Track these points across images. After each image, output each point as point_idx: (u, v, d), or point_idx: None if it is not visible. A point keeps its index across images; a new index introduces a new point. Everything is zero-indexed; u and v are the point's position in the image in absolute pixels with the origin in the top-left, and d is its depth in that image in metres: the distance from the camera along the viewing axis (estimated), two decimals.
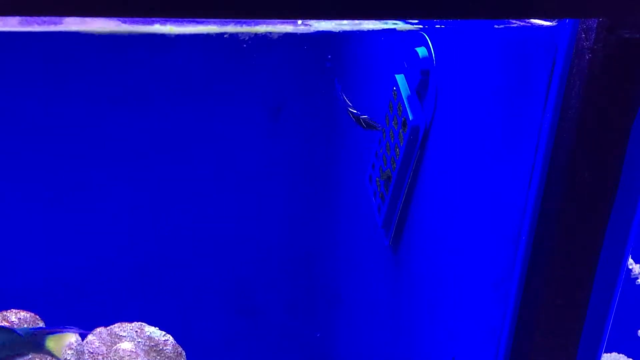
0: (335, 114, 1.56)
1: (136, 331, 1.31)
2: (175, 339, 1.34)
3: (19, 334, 1.05)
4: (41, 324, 1.28)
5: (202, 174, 1.62)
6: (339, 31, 0.74)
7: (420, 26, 0.87)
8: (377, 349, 1.39)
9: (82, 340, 1.29)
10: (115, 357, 1.25)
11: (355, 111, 1.14)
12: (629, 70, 0.67)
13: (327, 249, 1.71)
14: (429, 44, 1.03)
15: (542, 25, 0.72)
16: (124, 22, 0.65)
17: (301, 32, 0.71)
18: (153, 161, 1.59)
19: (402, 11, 0.58)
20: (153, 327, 1.33)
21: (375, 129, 1.13)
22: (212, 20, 0.67)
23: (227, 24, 0.68)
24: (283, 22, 0.70)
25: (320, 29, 0.72)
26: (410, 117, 1.07)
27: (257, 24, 0.68)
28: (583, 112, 0.70)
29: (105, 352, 1.27)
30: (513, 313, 0.82)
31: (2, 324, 1.23)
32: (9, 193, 1.54)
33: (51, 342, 1.08)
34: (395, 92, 1.13)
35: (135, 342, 1.29)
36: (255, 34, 0.70)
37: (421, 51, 1.04)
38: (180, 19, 0.66)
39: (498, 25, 0.78)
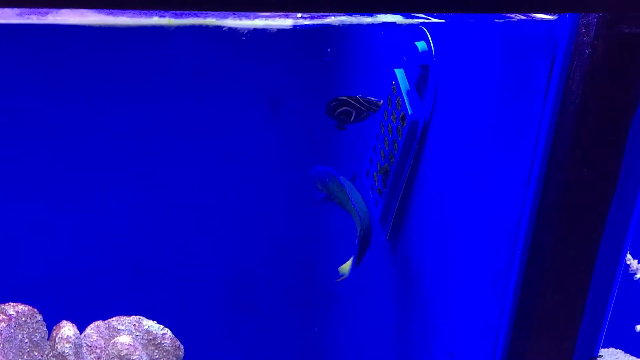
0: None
1: (134, 325, 1.31)
2: (173, 333, 1.34)
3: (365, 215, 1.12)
4: (39, 318, 1.28)
5: (201, 168, 1.62)
6: (339, 25, 0.73)
7: (420, 20, 0.87)
8: (374, 343, 1.39)
9: (80, 334, 1.29)
10: (113, 351, 1.25)
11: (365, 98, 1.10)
12: (629, 66, 0.67)
13: (325, 243, 1.71)
14: (429, 38, 1.03)
15: (543, 19, 0.72)
16: (122, 14, 0.64)
17: (300, 25, 0.71)
18: (152, 155, 1.58)
19: (402, 5, 0.58)
20: (151, 321, 1.33)
21: (374, 108, 1.10)
22: (211, 13, 0.66)
23: (226, 17, 0.67)
24: (282, 16, 0.70)
25: (320, 23, 0.72)
26: (409, 112, 1.07)
27: (256, 17, 0.68)
28: (583, 108, 0.69)
29: (103, 345, 1.28)
30: (511, 308, 0.82)
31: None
32: (8, 189, 1.54)
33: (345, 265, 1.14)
34: (395, 87, 1.13)
35: (134, 336, 1.29)
36: (254, 27, 0.69)
37: (421, 45, 1.03)
38: (179, 12, 0.66)
39: (498, 19, 0.78)
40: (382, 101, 1.11)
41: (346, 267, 1.16)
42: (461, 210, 0.96)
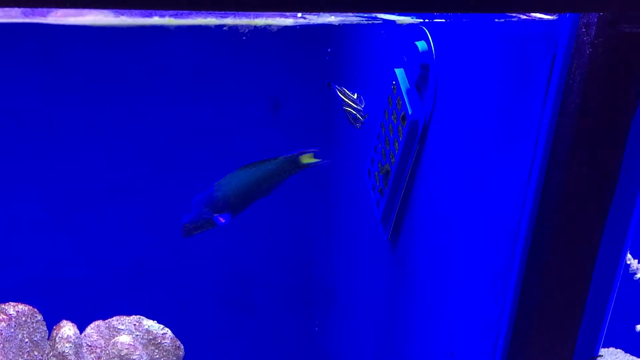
0: (335, 107, 1.56)
1: (134, 324, 1.31)
2: (173, 333, 1.34)
3: (281, 159, 1.17)
4: (39, 318, 1.28)
5: (201, 168, 1.62)
6: (339, 24, 0.73)
7: (421, 20, 0.87)
8: (375, 343, 1.39)
9: (80, 333, 1.29)
10: (113, 351, 1.25)
11: (351, 109, 1.14)
12: (629, 65, 0.67)
13: (326, 243, 1.71)
14: (429, 38, 1.03)
15: (543, 19, 0.72)
16: (122, 14, 0.64)
17: (301, 24, 0.71)
18: (152, 155, 1.58)
19: (402, 5, 0.58)
20: (151, 321, 1.33)
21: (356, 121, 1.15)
22: (211, 12, 0.66)
23: (226, 16, 0.67)
24: (282, 15, 0.70)
25: (320, 22, 0.72)
26: (410, 112, 1.07)
27: (256, 16, 0.68)
28: (583, 107, 0.69)
29: (103, 345, 1.28)
30: (511, 308, 0.82)
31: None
32: (8, 189, 1.54)
33: (304, 159, 1.18)
34: (395, 86, 1.13)
35: (134, 336, 1.29)
36: (255, 27, 0.69)
37: (421, 45, 1.03)
38: (179, 11, 0.66)
39: (498, 19, 0.78)
40: (361, 123, 1.14)
41: (309, 157, 1.17)
42: (461, 210, 0.96)
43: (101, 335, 1.29)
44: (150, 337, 1.30)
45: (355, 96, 1.14)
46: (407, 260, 1.16)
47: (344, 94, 1.14)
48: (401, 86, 1.10)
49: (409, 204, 1.14)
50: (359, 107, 1.13)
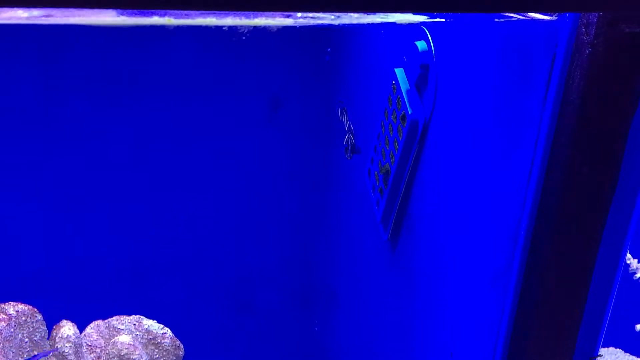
0: (334, 108, 1.56)
1: (134, 324, 1.31)
2: (173, 332, 1.34)
3: None
4: (39, 317, 1.28)
5: (201, 169, 1.62)
6: (339, 24, 0.73)
7: (420, 20, 0.87)
8: (375, 342, 1.39)
9: (80, 333, 1.29)
10: (113, 350, 1.25)
11: (353, 137, 1.20)
12: (629, 65, 0.67)
13: (326, 243, 1.71)
14: (429, 38, 1.03)
15: (543, 19, 0.72)
16: (122, 14, 0.64)
17: (300, 25, 0.71)
18: (152, 155, 1.58)
19: (403, 5, 0.58)
20: (151, 321, 1.33)
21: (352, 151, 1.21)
22: (211, 12, 0.66)
23: (226, 16, 0.67)
24: (282, 15, 0.70)
25: (320, 22, 0.72)
26: (410, 111, 1.07)
27: (256, 16, 0.68)
28: (583, 107, 0.69)
29: (103, 345, 1.28)
30: (511, 307, 0.82)
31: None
32: (9, 188, 1.54)
33: None
34: (395, 86, 1.13)
35: (134, 335, 1.29)
36: (255, 27, 0.69)
37: (421, 45, 1.03)
38: (179, 11, 0.66)
39: (498, 19, 0.78)
40: (354, 153, 1.18)
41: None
42: (461, 209, 0.96)
43: (101, 335, 1.29)
44: (150, 337, 1.30)
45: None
46: (407, 260, 1.16)
47: (347, 120, 1.18)
48: (401, 86, 1.10)
49: (409, 204, 1.14)
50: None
